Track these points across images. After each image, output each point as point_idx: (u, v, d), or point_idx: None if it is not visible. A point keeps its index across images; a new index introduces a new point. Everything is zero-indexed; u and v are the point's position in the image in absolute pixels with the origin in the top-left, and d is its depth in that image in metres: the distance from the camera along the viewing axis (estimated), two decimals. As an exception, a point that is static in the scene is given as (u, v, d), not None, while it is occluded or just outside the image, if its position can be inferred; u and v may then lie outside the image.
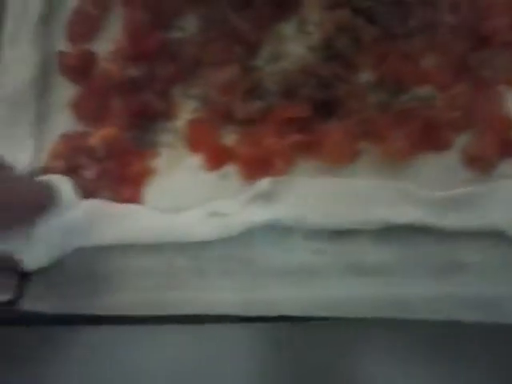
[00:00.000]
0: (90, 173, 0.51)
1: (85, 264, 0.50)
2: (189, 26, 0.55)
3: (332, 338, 0.49)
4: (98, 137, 0.51)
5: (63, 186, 0.49)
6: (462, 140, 0.51)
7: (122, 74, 0.52)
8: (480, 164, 0.50)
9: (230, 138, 0.52)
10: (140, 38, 0.53)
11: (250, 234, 0.49)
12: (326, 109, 0.51)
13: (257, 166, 0.50)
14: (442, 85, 0.52)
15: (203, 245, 0.49)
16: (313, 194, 0.49)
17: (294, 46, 0.55)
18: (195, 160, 0.52)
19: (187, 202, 0.50)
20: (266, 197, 0.48)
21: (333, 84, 0.51)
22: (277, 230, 0.50)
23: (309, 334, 0.49)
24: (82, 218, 0.48)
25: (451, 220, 0.48)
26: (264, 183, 0.48)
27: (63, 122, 0.54)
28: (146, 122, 0.53)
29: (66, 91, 0.55)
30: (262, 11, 0.54)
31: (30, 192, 0.47)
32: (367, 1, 0.53)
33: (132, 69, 0.52)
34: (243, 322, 0.48)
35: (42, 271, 0.49)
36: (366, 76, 0.53)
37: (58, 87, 0.55)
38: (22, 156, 0.51)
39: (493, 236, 0.48)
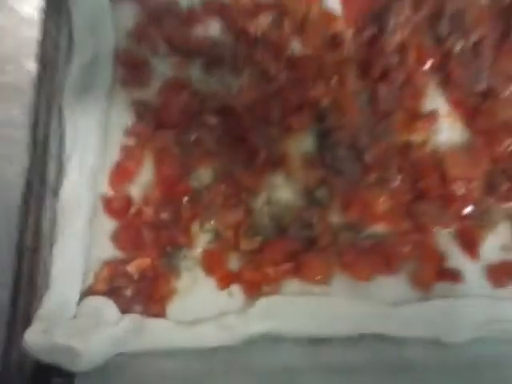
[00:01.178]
0: (127, 292, 0.66)
1: (121, 368, 0.63)
2: (204, 177, 0.74)
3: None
4: (134, 265, 0.67)
5: (107, 305, 0.64)
6: (408, 267, 0.69)
7: (155, 215, 0.69)
8: (421, 286, 0.68)
9: (236, 264, 0.69)
10: (170, 188, 0.71)
11: (250, 342, 0.64)
12: (308, 243, 0.69)
13: (256, 287, 0.67)
14: (393, 225, 0.71)
15: (214, 351, 0.64)
16: (297, 310, 0.65)
17: (283, 193, 0.73)
18: (209, 281, 0.68)
19: (203, 315, 0.66)
20: (263, 313, 0.64)
21: (312, 224, 0.69)
22: (270, 338, 0.65)
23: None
24: (124, 330, 0.62)
25: (402, 329, 0.65)
26: (261, 302, 0.65)
27: (105, 251, 0.69)
28: (171, 251, 0.69)
29: (108, 226, 0.71)
30: (260, 166, 0.73)
31: None
32: (336, 161, 0.73)
33: (163, 212, 0.69)
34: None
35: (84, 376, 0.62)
36: (337, 218, 0.72)
37: (102, 223, 0.71)
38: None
39: (434, 342, 0.65)
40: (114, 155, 0.75)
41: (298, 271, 0.68)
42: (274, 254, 0.68)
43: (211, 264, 0.69)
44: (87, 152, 0.73)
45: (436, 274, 0.68)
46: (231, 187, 0.71)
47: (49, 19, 0.79)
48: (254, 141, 0.72)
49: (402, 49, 0.79)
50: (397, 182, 0.72)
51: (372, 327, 0.65)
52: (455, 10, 0.82)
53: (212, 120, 0.74)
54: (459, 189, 0.71)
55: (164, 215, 0.69)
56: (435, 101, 0.78)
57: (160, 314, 0.66)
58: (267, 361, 0.65)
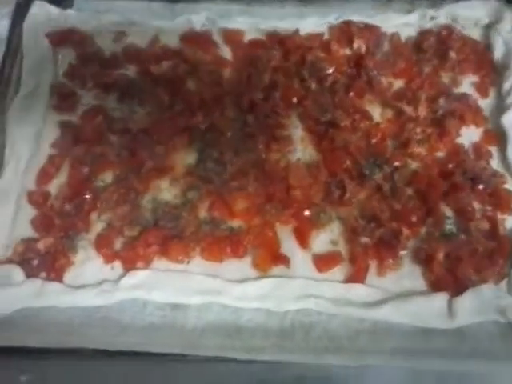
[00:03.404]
0: (34, 263, 0.87)
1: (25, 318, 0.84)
2: (106, 179, 0.96)
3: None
4: (42, 243, 0.89)
5: (15, 270, 0.85)
6: (253, 253, 0.89)
7: (62, 207, 0.91)
8: (260, 268, 0.87)
9: (120, 246, 0.90)
10: (77, 187, 0.93)
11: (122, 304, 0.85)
12: (176, 232, 0.90)
13: (131, 263, 0.87)
14: (246, 221, 0.91)
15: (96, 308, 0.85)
16: (159, 281, 0.85)
17: (165, 194, 0.95)
18: (98, 258, 0.89)
19: (91, 282, 0.87)
20: (132, 283, 0.85)
21: (179, 219, 0.90)
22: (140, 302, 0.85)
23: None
24: (26, 289, 0.84)
25: (240, 300, 0.85)
26: (131, 274, 0.85)
27: (26, 232, 0.91)
28: (72, 234, 0.91)
29: (30, 213, 0.93)
30: (149, 173, 0.95)
31: None
32: (207, 172, 0.94)
33: (68, 205, 0.92)
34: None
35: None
36: (203, 214, 0.92)
37: (26, 211, 0.93)
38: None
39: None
40: (42, 161, 0.98)
41: (164, 252, 0.88)
42: (147, 239, 0.89)
43: (101, 245, 0.90)
44: (21, 158, 0.97)
45: (271, 259, 0.88)
46: (124, 188, 0.94)
47: (7, 62, 1.06)
48: (142, 155, 0.95)
49: (272, 87, 1.02)
50: (252, 188, 0.93)
51: (216, 298, 0.84)
52: (315, 58, 1.05)
53: (114, 139, 0.98)
54: (298, 195, 0.92)
55: (68, 207, 0.92)
56: (294, 128, 1.00)
57: (58, 280, 0.87)
58: (135, 319, 0.85)
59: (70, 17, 1.11)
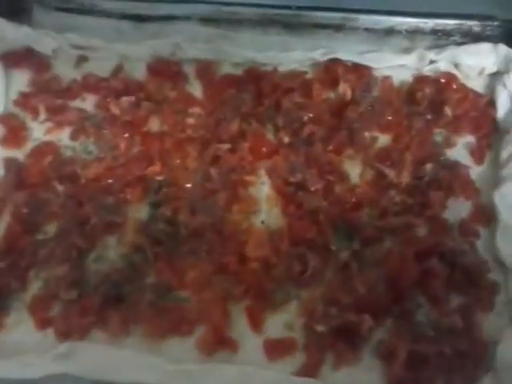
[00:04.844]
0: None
1: None
2: (49, 232, 0.87)
3: None
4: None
5: None
6: (199, 332, 0.81)
7: (-8, 264, 0.84)
8: (203, 350, 0.79)
9: (55, 310, 0.82)
10: (12, 241, 0.85)
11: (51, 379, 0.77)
12: (116, 300, 0.81)
13: (64, 333, 0.80)
14: (195, 292, 0.83)
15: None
16: (90, 356, 0.78)
17: (112, 253, 0.86)
18: (31, 322, 0.82)
19: (21, 348, 0.80)
20: (61, 356, 0.77)
21: (122, 284, 0.82)
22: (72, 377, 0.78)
23: None
24: None
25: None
26: (62, 347, 0.78)
27: None
28: (5, 293, 0.83)
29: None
30: (95, 228, 0.86)
31: None
32: (158, 232, 0.85)
33: (0, 261, 0.83)
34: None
35: None
36: (149, 280, 0.84)
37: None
38: None
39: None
40: (-18, 205, 0.90)
41: (101, 324, 0.80)
42: (83, 306, 0.81)
43: (35, 308, 0.82)
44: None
45: (217, 341, 0.79)
46: (66, 244, 0.85)
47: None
48: (88, 209, 0.86)
49: (240, 136, 0.92)
50: (204, 255, 0.84)
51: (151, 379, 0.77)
52: (292, 105, 0.93)
53: (59, 187, 0.89)
54: (254, 268, 0.83)
55: (1, 263, 0.84)
56: (260, 185, 0.90)
57: (-16, 348, 0.80)
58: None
59: (27, 35, 1.00)
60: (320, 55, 0.98)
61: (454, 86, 0.95)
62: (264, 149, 0.91)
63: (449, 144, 0.92)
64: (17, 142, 0.94)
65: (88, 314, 0.80)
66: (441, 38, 1.02)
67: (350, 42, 1.02)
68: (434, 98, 0.94)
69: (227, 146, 0.90)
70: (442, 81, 0.96)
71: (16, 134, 0.94)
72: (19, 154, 0.93)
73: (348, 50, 0.99)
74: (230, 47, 1.00)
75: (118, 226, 0.87)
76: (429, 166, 0.89)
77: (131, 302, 0.82)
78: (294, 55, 0.99)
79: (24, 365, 0.77)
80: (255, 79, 0.97)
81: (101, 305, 0.81)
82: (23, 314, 0.82)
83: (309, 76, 0.98)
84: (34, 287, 0.84)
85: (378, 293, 0.81)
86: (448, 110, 0.93)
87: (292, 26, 1.03)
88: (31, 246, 0.86)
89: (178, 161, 0.91)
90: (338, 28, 1.03)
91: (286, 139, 0.91)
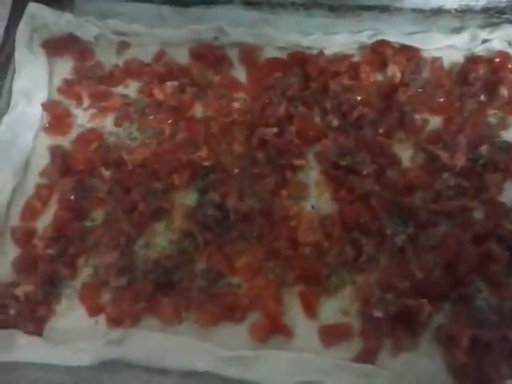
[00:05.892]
0: (11, 311, 0.80)
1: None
2: (97, 218, 0.87)
3: None
4: (20, 289, 0.80)
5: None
6: (252, 318, 0.79)
7: (44, 250, 0.83)
8: (257, 337, 0.77)
9: (106, 297, 0.81)
10: (61, 228, 0.84)
11: (103, 365, 0.77)
12: (168, 286, 0.80)
13: (116, 320, 0.79)
14: (247, 279, 0.81)
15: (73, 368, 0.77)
16: (143, 342, 0.77)
17: (161, 239, 0.85)
18: (82, 309, 0.81)
19: (73, 336, 0.79)
20: (114, 343, 0.76)
21: (173, 271, 0.81)
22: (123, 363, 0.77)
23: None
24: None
25: (233, 371, 0.75)
26: (114, 333, 0.77)
27: (6, 273, 0.84)
28: (56, 280, 0.82)
29: (13, 252, 0.85)
30: (143, 215, 0.85)
31: None
32: (206, 218, 0.84)
33: (51, 248, 0.83)
34: None
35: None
36: (200, 266, 0.82)
37: (8, 249, 0.85)
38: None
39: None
40: (29, 192, 0.89)
41: (153, 311, 0.79)
42: (134, 293, 0.80)
43: (85, 295, 0.81)
44: (5, 188, 0.88)
45: (271, 328, 0.78)
46: (114, 231, 0.84)
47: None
48: (135, 195, 0.85)
49: (288, 120, 0.90)
50: (255, 241, 0.82)
51: (207, 365, 0.76)
52: (340, 88, 0.91)
53: (106, 173, 0.88)
54: (307, 253, 0.81)
55: (50, 251, 0.83)
56: (309, 170, 0.88)
57: (37, 331, 0.79)
58: (116, 382, 0.77)
59: (69, 22, 1.00)
60: (366, 37, 0.96)
61: (510, 66, 0.92)
62: (312, 132, 0.89)
63: (504, 125, 0.89)
64: (62, 129, 0.93)
65: (139, 301, 0.79)
66: (493, 16, 0.99)
67: (397, 23, 0.99)
68: (488, 78, 0.91)
69: (274, 129, 0.88)
70: (497, 60, 0.93)
71: (61, 121, 0.94)
72: (65, 141, 0.92)
73: (395, 32, 0.97)
74: (274, 31, 0.98)
75: (166, 211, 0.86)
76: (484, 148, 0.86)
77: (182, 288, 0.80)
78: (340, 38, 0.97)
79: (76, 351, 0.77)
80: (301, 63, 0.95)
81: (152, 291, 0.80)
82: (74, 301, 0.82)
83: (356, 59, 0.96)
84: (84, 274, 0.83)
85: (435, 277, 0.79)
86: (503, 91, 0.90)
87: (336, 8, 1.01)
88: (79, 233, 0.85)
89: (225, 146, 0.89)
90: (384, 9, 1.01)
91: (335, 122, 0.89)
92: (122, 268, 0.82)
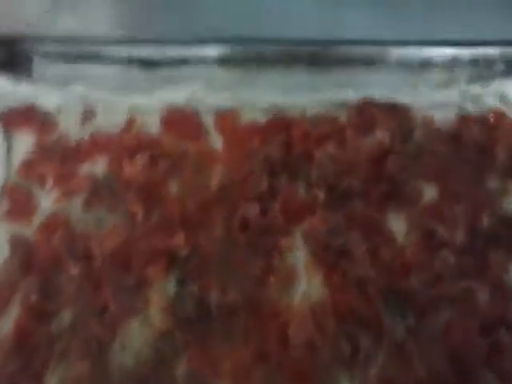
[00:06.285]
0: None
1: None
2: (64, 321, 0.78)
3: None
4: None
5: None
6: None
7: (3, 368, 0.74)
8: None
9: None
10: (25, 338, 0.76)
11: None
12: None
13: None
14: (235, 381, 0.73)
15: None
16: None
17: (135, 341, 0.76)
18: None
19: None
20: None
21: (150, 379, 0.73)
22: None
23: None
24: None
25: None
26: None
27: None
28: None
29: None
30: (115, 315, 0.77)
31: None
32: (186, 313, 0.76)
33: (12, 363, 0.74)
34: None
35: None
36: (181, 369, 0.74)
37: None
38: None
39: None
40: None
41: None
42: (108, 409, 0.72)
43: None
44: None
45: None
46: (84, 336, 0.76)
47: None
48: (106, 293, 0.76)
49: (271, 195, 0.82)
50: (240, 339, 0.75)
51: None
52: (325, 156, 0.83)
53: (73, 270, 0.79)
54: (299, 354, 0.73)
55: (12, 367, 0.74)
56: (296, 251, 0.80)
57: None
58: None
59: (27, 91, 0.91)
60: (352, 93, 0.89)
61: (505, 125, 0.86)
62: (297, 209, 0.82)
63: (505, 192, 0.83)
64: (23, 215, 0.84)
65: (114, 417, 0.72)
66: (482, 68, 0.93)
67: (383, 78, 0.93)
68: (483, 139, 0.85)
69: (256, 207, 0.81)
70: (490, 119, 0.87)
71: (22, 206, 0.85)
72: (26, 229, 0.83)
73: (381, 87, 0.90)
74: (252, 92, 0.90)
75: (141, 309, 0.78)
76: (485, 220, 0.80)
77: (162, 400, 0.73)
78: (323, 96, 0.90)
79: None
80: (282, 127, 0.87)
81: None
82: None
83: (341, 121, 0.89)
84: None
85: (440, 373, 0.72)
86: (500, 152, 0.83)
87: (317, 63, 0.94)
88: (46, 339, 0.76)
89: (203, 228, 0.81)
90: (369, 62, 0.94)
91: (321, 196, 0.82)
92: (94, 379, 0.74)
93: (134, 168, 0.85)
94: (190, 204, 0.83)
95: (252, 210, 0.81)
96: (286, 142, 0.86)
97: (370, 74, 0.93)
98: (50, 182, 0.86)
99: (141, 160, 0.85)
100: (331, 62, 0.94)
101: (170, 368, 0.74)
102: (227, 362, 0.74)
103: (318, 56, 0.94)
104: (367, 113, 0.88)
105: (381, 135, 0.86)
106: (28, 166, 0.87)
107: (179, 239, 0.80)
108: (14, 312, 0.78)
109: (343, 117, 0.89)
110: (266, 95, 0.91)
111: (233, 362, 0.74)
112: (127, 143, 0.87)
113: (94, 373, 0.74)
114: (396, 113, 0.87)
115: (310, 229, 0.81)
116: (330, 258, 0.79)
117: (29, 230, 0.84)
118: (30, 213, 0.85)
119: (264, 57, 0.94)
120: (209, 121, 0.90)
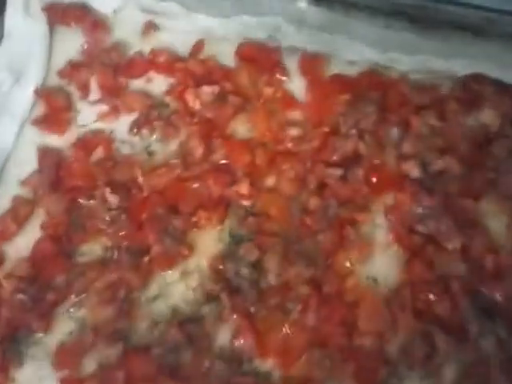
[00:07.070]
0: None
1: None
2: (91, 253, 0.65)
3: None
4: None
5: None
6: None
7: (13, 294, 0.61)
8: None
9: (91, 365, 0.60)
10: (41, 264, 0.62)
11: None
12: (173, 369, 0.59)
13: None
14: (282, 366, 0.61)
15: None
16: None
17: (174, 297, 0.64)
18: (54, 379, 0.59)
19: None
20: None
21: (184, 346, 0.60)
22: None
23: None
24: None
25: None
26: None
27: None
28: (22, 335, 0.60)
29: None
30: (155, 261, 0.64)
31: None
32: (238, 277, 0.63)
33: (24, 292, 0.61)
34: None
35: None
36: (221, 342, 0.62)
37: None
38: None
39: None
40: (5, 204, 0.67)
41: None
42: (128, 369, 0.58)
43: (61, 360, 0.60)
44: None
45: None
46: (112, 277, 0.63)
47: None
48: (148, 232, 0.63)
49: (354, 160, 0.70)
50: (296, 316, 0.62)
51: None
52: (425, 128, 0.71)
53: (112, 198, 0.65)
54: (367, 344, 0.61)
55: (22, 295, 0.61)
56: (375, 227, 0.68)
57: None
58: None
59: (83, -13, 0.77)
60: (459, 67, 0.77)
61: None
62: (384, 180, 0.70)
63: None
64: (58, 126, 0.71)
65: (135, 380, 0.58)
66: None
67: (493, 52, 0.80)
68: None
69: (338, 171, 0.68)
70: None
71: (58, 114, 0.71)
72: (60, 142, 0.70)
73: (490, 62, 0.78)
74: (346, 39, 0.77)
75: (186, 257, 0.65)
76: None
77: (194, 372, 0.60)
78: (426, 62, 0.77)
79: None
80: (377, 86, 0.75)
81: (153, 371, 0.59)
82: (43, 366, 0.60)
83: (443, 91, 0.76)
84: (63, 330, 0.62)
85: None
86: None
87: (418, 20, 0.81)
88: (65, 273, 0.63)
89: (272, 182, 0.69)
90: (477, 32, 0.81)
91: (415, 172, 0.70)
92: (117, 331, 0.61)
93: (199, 99, 0.71)
94: (258, 152, 0.70)
95: (333, 173, 0.68)
96: (381, 104, 0.74)
97: (478, 46, 0.81)
98: (95, 93, 0.73)
99: (208, 92, 0.72)
100: (434, 24, 0.81)
101: (208, 336, 0.62)
102: (277, 341, 0.62)
103: (423, 13, 0.81)
104: (474, 88, 0.75)
105: (487, 115, 0.74)
106: (73, 67, 0.73)
107: (242, 188, 0.67)
108: (32, 234, 0.65)
109: (446, 88, 0.77)
110: (360, 47, 0.78)
111: (284, 341, 0.62)
112: (193, 69, 0.73)
113: (119, 322, 0.61)
114: (507, 92, 0.75)
115: (395, 205, 0.68)
116: (415, 242, 0.67)
117: (62, 142, 0.70)
118: (66, 123, 0.71)
119: (364, 3, 0.81)
120: (291, 62, 0.77)
